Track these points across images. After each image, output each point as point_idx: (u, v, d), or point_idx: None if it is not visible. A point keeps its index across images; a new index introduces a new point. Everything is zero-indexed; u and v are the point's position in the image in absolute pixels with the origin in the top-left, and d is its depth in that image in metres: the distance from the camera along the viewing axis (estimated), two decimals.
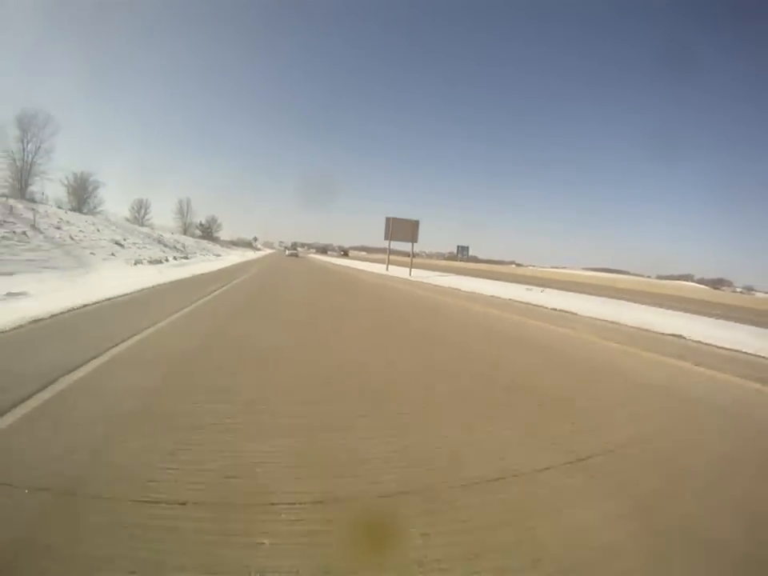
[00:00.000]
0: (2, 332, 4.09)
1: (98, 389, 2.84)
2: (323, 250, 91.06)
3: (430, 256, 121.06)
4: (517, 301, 11.76)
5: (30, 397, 2.53)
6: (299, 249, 78.30)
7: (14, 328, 4.27)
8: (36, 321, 4.65)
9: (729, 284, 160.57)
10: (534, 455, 2.29)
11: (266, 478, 1.86)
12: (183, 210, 59.26)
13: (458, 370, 4.17)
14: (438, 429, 2.59)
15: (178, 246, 34.35)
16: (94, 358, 3.45)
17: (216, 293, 8.93)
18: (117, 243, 20.24)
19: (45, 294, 6.82)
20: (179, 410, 2.59)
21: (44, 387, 2.72)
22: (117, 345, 3.93)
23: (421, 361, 4.44)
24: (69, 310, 5.48)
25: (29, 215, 16.45)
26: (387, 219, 22.06)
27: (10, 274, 9.53)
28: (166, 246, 30.85)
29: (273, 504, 1.68)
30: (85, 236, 18.45)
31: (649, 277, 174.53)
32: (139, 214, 51.51)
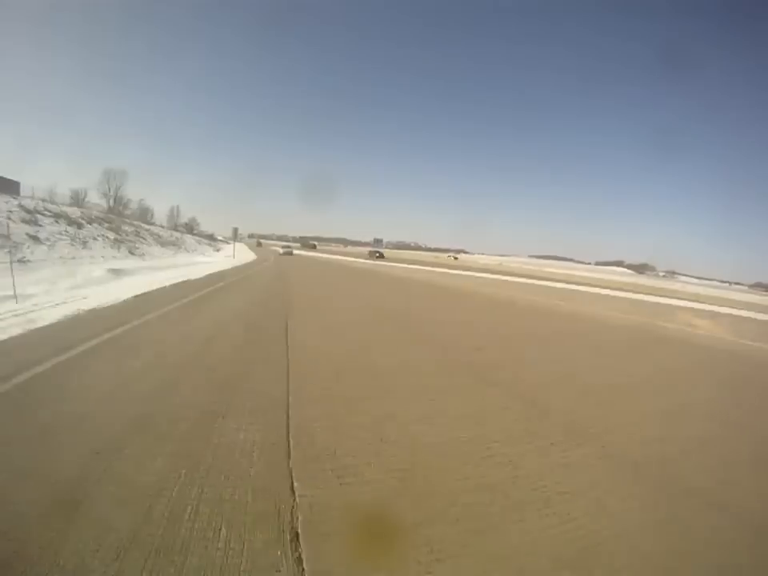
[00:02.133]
0: (244, 264, 24.17)
1: (275, 265, 23.00)
2: (311, 245, 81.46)
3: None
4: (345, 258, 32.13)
5: (240, 272, 22.80)
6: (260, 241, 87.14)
7: (246, 264, 24.35)
8: (251, 261, 24.71)
9: (652, 268, 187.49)
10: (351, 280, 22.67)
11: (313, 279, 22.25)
12: (174, 214, 76.73)
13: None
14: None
15: (210, 243, 53.58)
16: (269, 262, 23.66)
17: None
18: (198, 243, 39.84)
19: (238, 255, 26.79)
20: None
21: (243, 270, 22.95)
22: (271, 256, 24.10)
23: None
24: (252, 262, 25.56)
25: (159, 231, 35.78)
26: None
27: (195, 251, 29.44)
28: (205, 243, 50.14)
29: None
30: (184, 240, 37.93)
31: (589, 263, 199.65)
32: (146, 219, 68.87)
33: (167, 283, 9.42)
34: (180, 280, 10.41)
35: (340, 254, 52.13)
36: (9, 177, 28.27)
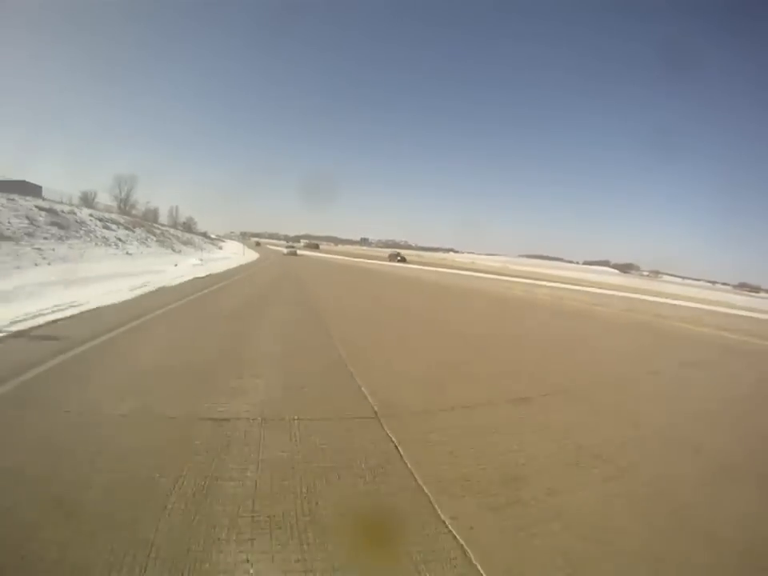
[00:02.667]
0: (257, 258, 31.30)
1: (279, 263, 30.11)
2: (314, 245, 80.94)
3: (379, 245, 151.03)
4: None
5: (265, 260, 29.98)
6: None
7: (252, 262, 31.48)
8: (259, 258, 31.84)
9: (636, 268, 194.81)
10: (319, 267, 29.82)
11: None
12: (173, 215, 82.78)
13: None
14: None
15: (212, 241, 60.73)
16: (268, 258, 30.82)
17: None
18: (202, 241, 46.91)
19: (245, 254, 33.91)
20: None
21: (258, 262, 30.13)
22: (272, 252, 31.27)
23: None
24: (259, 258, 32.71)
25: (177, 233, 42.81)
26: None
27: (202, 249, 36.53)
28: (208, 242, 57.23)
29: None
30: (194, 239, 44.97)
31: (577, 263, 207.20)
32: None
33: (237, 264, 16.68)
34: (243, 263, 17.94)
35: (334, 254, 58.91)
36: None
